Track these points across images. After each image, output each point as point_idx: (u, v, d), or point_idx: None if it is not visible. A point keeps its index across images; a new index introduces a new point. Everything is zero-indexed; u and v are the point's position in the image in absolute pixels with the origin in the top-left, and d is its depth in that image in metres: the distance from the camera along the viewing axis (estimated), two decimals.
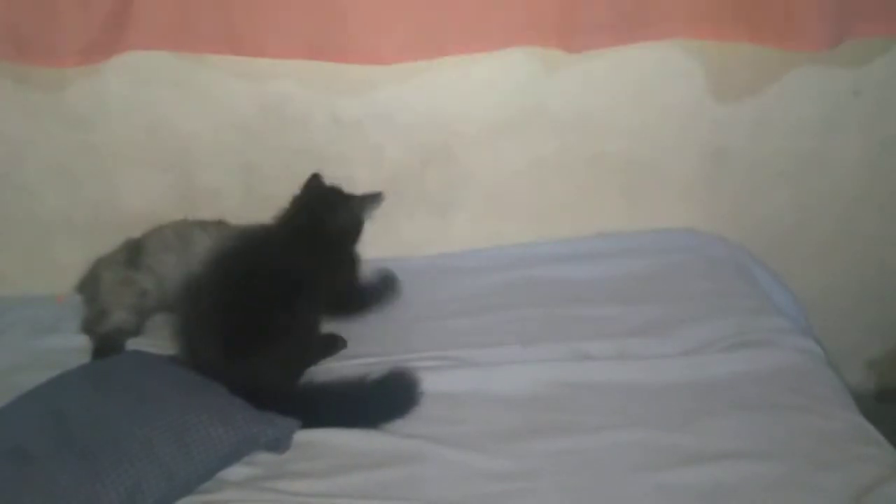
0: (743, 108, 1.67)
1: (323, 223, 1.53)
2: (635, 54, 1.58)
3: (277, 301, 1.40)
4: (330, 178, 1.62)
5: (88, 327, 1.57)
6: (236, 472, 1.25)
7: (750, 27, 1.50)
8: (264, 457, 1.27)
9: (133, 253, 1.60)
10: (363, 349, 1.49)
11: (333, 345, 1.50)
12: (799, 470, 1.22)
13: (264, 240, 1.52)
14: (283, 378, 1.40)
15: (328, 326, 1.53)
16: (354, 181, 1.66)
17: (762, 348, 1.45)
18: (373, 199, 1.57)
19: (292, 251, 1.49)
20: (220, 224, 1.62)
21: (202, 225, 1.61)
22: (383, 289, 1.60)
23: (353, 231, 1.57)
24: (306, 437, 1.29)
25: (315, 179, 1.57)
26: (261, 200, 1.62)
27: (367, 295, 1.59)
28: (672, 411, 1.34)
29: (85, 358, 1.47)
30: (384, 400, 1.36)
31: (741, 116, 1.68)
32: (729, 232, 1.76)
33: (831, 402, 1.35)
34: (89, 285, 1.62)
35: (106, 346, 1.51)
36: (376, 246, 1.64)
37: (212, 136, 1.63)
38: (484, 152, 1.69)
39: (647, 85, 1.64)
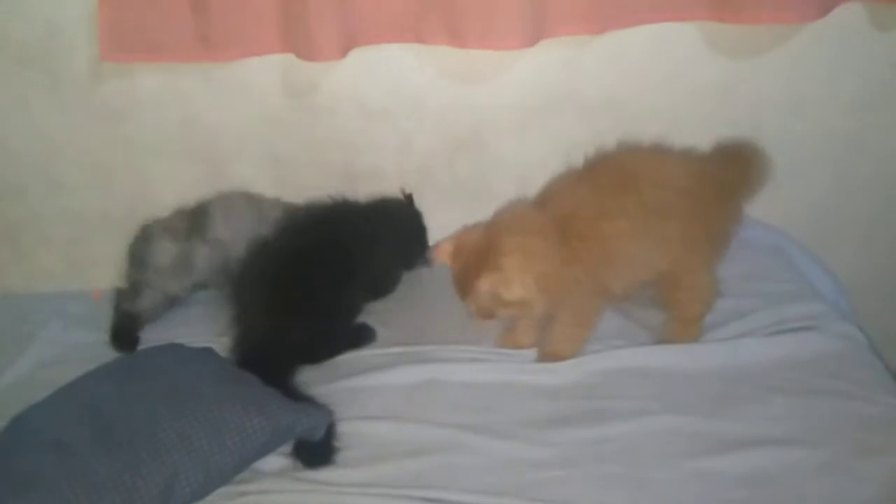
0: (777, 88, 1.64)
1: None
2: (662, 36, 1.56)
3: (329, 278, 1.46)
4: (359, 168, 1.63)
5: (117, 301, 1.58)
6: (272, 462, 1.26)
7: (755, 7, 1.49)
8: None
9: (196, 219, 1.58)
10: (393, 338, 1.49)
11: (364, 336, 1.50)
12: (840, 456, 1.20)
13: (331, 219, 1.57)
14: (313, 354, 1.44)
15: None
16: (384, 170, 1.66)
17: (801, 333, 1.42)
18: (423, 261, 1.63)
19: (353, 237, 1.53)
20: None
21: (268, 200, 1.63)
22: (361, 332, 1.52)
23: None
24: (340, 427, 1.30)
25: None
26: (290, 190, 1.63)
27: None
28: (709, 397, 1.32)
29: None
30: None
31: (776, 96, 1.65)
32: (767, 215, 1.72)
33: (873, 388, 1.32)
34: (139, 249, 1.58)
35: (122, 328, 1.53)
36: None
37: (241, 128, 1.63)
38: (514, 138, 1.68)
39: (677, 67, 1.62)
